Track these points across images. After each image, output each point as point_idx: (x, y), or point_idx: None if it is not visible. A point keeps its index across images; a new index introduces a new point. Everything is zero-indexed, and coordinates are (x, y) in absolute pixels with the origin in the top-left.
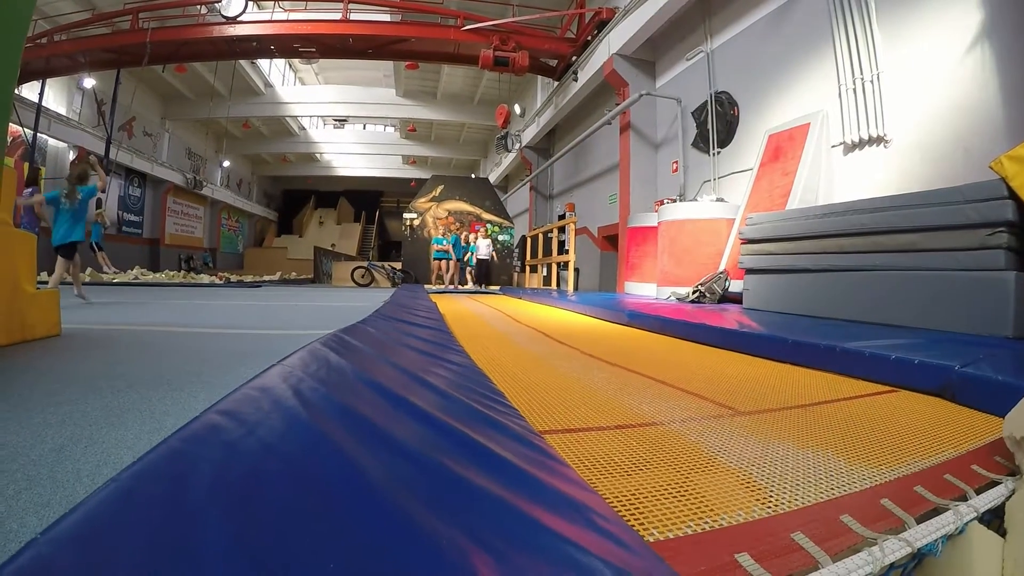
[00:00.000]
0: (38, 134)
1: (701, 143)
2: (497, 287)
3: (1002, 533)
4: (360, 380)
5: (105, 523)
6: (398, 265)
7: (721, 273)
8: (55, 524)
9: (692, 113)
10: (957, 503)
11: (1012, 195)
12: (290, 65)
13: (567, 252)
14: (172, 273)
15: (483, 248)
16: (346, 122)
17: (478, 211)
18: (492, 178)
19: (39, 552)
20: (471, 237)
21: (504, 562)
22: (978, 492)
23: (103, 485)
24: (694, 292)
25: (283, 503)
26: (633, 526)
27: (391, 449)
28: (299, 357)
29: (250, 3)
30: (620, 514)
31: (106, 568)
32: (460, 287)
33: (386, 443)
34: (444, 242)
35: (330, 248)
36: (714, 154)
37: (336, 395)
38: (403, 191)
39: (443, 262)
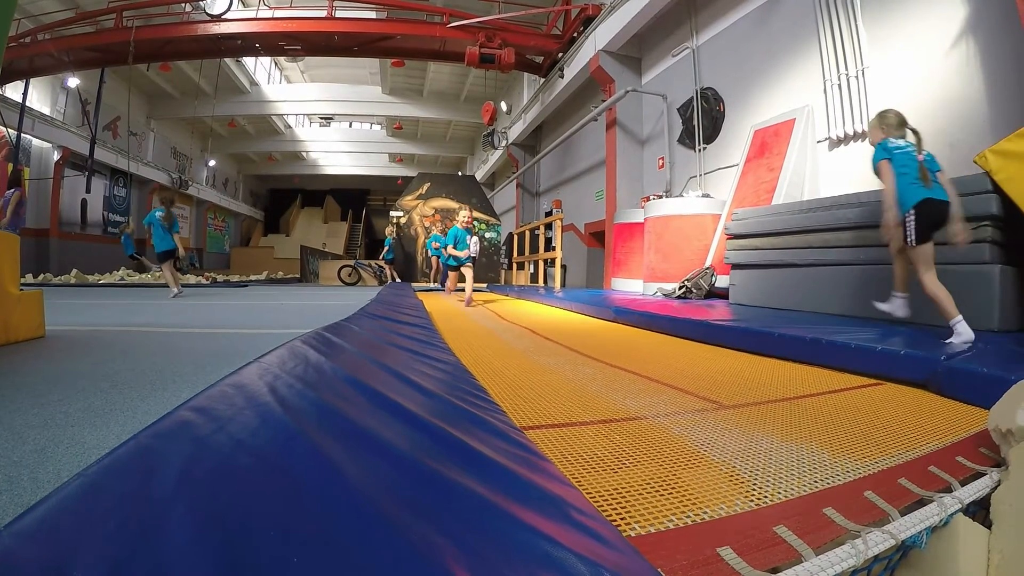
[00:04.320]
0: (22, 134)
1: (687, 139)
2: (484, 284)
3: (988, 525)
4: (339, 377)
5: (70, 516)
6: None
7: (707, 269)
8: (20, 517)
9: (678, 109)
10: (942, 495)
11: (996, 189)
12: (276, 63)
13: (554, 249)
14: (158, 274)
15: (471, 245)
16: (332, 120)
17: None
18: (479, 175)
19: (1, 545)
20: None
21: (478, 558)
22: (963, 484)
23: (70, 479)
24: (680, 288)
25: (251, 498)
26: (616, 522)
27: (366, 445)
28: (277, 355)
29: (235, 0)
30: (604, 510)
31: (68, 559)
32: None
33: (361, 439)
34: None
35: (319, 247)
36: (700, 150)
37: (312, 392)
38: (390, 189)
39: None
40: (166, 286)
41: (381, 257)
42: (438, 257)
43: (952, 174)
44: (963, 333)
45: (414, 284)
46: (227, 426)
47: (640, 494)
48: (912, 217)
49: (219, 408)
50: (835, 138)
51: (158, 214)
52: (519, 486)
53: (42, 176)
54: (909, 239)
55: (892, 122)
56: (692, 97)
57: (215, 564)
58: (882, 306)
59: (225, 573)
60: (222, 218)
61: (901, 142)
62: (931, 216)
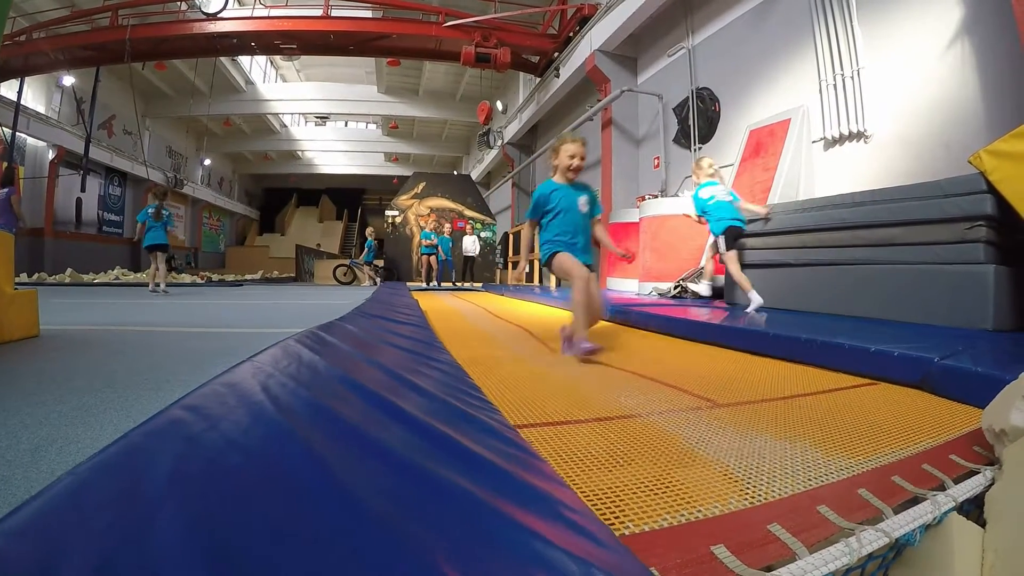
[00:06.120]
0: (17, 133)
1: (683, 139)
2: (480, 284)
3: (982, 523)
4: (331, 376)
5: (60, 515)
6: (380, 263)
7: (703, 268)
8: (8, 516)
9: (674, 109)
10: (935, 493)
11: (991, 189)
12: (271, 62)
13: None
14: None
15: (469, 245)
16: (328, 119)
17: (460, 208)
18: (474, 175)
19: None
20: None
21: (469, 557)
22: (956, 482)
23: (59, 478)
24: (675, 287)
25: (241, 496)
26: (610, 521)
27: (358, 444)
28: (270, 353)
29: None
30: (598, 508)
31: (57, 558)
32: (436, 285)
33: (352, 437)
34: (432, 236)
35: (315, 247)
36: (695, 150)
37: (305, 390)
38: (385, 188)
39: (431, 258)
40: (176, 285)
41: (361, 259)
42: (429, 255)
43: (947, 174)
44: (754, 301)
45: (409, 284)
46: (218, 425)
47: (634, 492)
48: (722, 238)
49: (211, 407)
50: (830, 138)
51: (150, 210)
52: (512, 485)
53: (37, 175)
54: (721, 250)
55: (707, 168)
56: (688, 97)
57: (204, 562)
58: (750, 307)
59: (214, 571)
60: (217, 217)
61: (716, 189)
62: (734, 235)
